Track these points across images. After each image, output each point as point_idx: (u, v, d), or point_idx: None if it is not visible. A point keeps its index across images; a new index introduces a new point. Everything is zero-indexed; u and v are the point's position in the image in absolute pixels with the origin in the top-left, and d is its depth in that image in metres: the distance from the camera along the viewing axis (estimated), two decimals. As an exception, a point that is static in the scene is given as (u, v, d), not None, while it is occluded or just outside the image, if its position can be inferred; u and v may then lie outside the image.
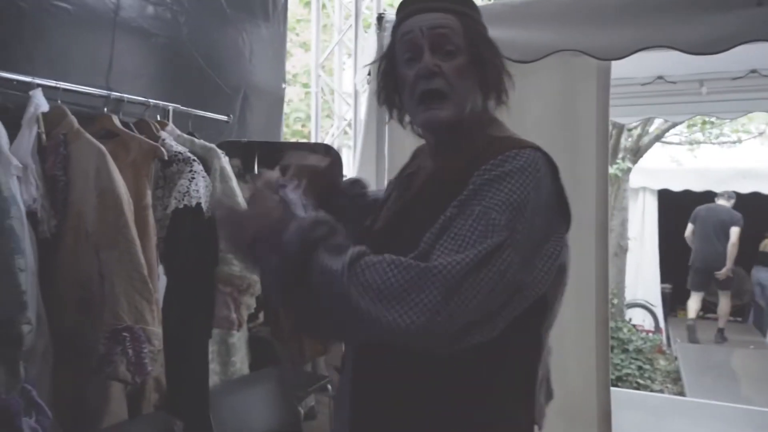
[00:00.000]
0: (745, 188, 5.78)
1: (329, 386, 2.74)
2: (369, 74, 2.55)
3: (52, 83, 1.65)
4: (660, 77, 3.63)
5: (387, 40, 2.73)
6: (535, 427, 0.99)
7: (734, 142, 5.76)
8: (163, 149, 1.76)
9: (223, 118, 2.32)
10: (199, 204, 1.81)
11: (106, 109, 1.82)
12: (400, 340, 0.82)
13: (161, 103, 2.01)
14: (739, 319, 6.71)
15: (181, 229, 1.79)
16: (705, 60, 2.07)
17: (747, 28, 1.97)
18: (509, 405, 0.96)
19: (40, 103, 1.57)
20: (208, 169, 1.88)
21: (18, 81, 1.58)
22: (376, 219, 1.09)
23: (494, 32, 2.45)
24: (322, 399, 2.95)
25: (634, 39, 2.10)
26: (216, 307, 1.85)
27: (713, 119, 5.02)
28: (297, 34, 5.23)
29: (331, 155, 2.36)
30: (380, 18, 2.53)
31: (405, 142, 2.61)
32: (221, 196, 1.88)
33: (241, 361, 2.06)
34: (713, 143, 5.86)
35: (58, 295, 1.55)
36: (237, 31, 2.45)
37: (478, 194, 0.87)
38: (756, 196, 5.85)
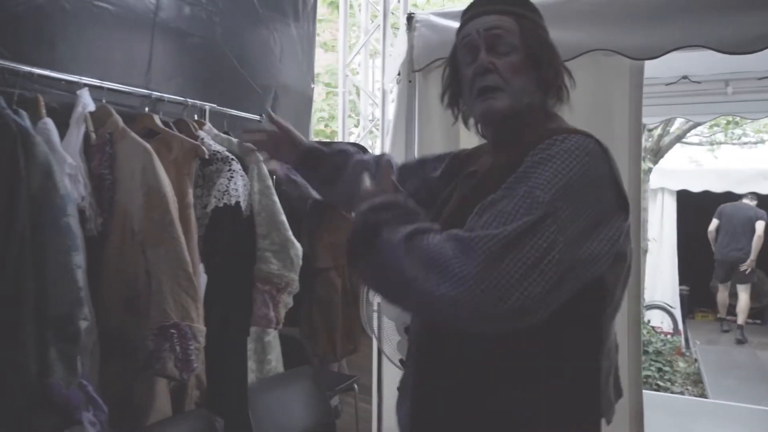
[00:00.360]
0: (765, 189, 5.75)
1: (355, 386, 2.76)
2: (399, 74, 2.56)
3: (97, 83, 1.68)
4: (685, 77, 3.62)
5: (417, 40, 2.72)
6: (603, 421, 1.00)
7: (756, 143, 5.73)
8: (204, 148, 1.78)
9: (256, 117, 2.35)
10: (238, 203, 1.84)
11: (147, 109, 1.84)
12: (445, 311, 0.84)
13: (198, 102, 2.03)
14: (758, 321, 6.67)
15: (221, 228, 1.82)
16: (730, 60, 2.06)
17: (782, 28, 1.96)
18: (572, 396, 0.96)
19: (87, 103, 1.60)
20: (245, 168, 1.91)
21: (65, 81, 1.61)
22: (438, 216, 1.10)
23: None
24: (347, 398, 2.98)
25: (667, 39, 2.10)
26: (254, 306, 1.88)
27: (737, 119, 4.99)
28: (318, 34, 5.27)
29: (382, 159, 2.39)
30: (410, 18, 2.54)
31: (435, 143, 2.63)
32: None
33: (276, 359, 2.08)
34: (734, 144, 5.83)
35: (104, 293, 1.58)
36: (268, 30, 2.48)
37: (525, 176, 0.89)
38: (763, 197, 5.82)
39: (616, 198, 0.92)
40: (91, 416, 1.24)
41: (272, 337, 2.07)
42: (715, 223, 6.00)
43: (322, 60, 5.36)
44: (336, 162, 1.34)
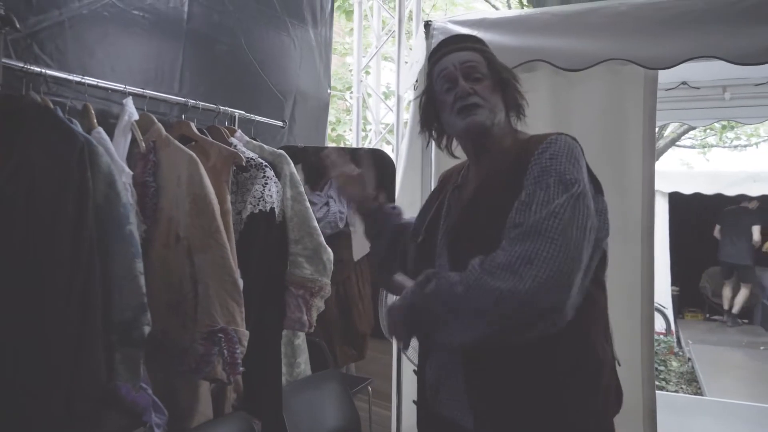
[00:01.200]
0: (755, 191, 5.95)
1: (369, 388, 2.83)
2: (417, 81, 2.64)
3: (140, 91, 1.73)
4: (684, 83, 3.76)
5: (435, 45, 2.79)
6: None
7: (746, 146, 5.93)
8: (241, 156, 1.84)
9: (279, 123, 2.40)
10: (272, 209, 1.90)
11: (183, 116, 1.89)
12: (537, 306, 0.99)
13: (228, 109, 2.08)
14: (746, 321, 6.89)
15: (256, 234, 1.87)
16: (728, 67, 2.18)
17: (792, 40, 2.08)
18: (602, 343, 1.16)
19: (132, 111, 1.65)
20: (278, 174, 1.97)
21: (110, 89, 1.65)
22: (433, 236, 1.28)
23: (543, 41, 2.54)
24: (358, 402, 3.04)
25: (681, 49, 2.21)
26: (288, 309, 1.94)
27: (732, 124, 5.17)
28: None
29: (384, 161, 2.46)
30: (427, 25, 2.62)
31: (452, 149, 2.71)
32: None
33: (305, 363, 2.14)
34: (724, 147, 6.03)
35: (148, 298, 1.63)
36: (289, 37, 2.53)
37: (547, 170, 1.10)
38: (765, 199, 6.03)
39: (594, 181, 1.17)
40: (156, 419, 1.29)
41: (301, 340, 2.13)
42: (717, 227, 6.49)
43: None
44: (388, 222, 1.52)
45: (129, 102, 1.66)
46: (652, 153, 2.44)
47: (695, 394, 4.58)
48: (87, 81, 1.55)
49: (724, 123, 5.13)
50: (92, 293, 1.22)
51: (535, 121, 2.48)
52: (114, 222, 1.30)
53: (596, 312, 1.17)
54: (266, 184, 1.89)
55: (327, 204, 2.64)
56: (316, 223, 1.98)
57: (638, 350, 2.39)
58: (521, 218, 1.06)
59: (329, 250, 1.98)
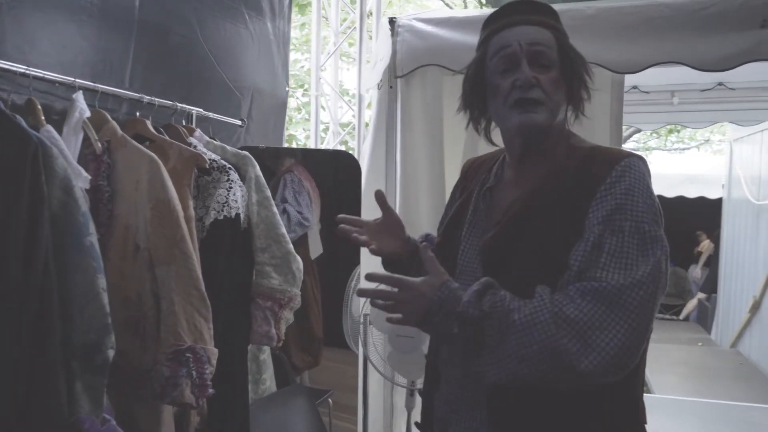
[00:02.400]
0: (692, 193, 6.30)
1: (330, 401, 2.75)
2: (381, 80, 2.58)
3: (90, 85, 1.58)
4: (635, 87, 3.92)
5: (400, 45, 2.75)
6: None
7: (683, 149, 6.26)
8: (204, 157, 1.73)
9: (237, 122, 2.29)
10: (238, 215, 1.80)
11: (138, 114, 1.76)
12: (585, 383, 0.93)
13: (186, 107, 1.96)
14: (682, 318, 7.27)
15: (220, 242, 1.77)
16: (676, 72, 2.26)
17: (752, 48, 2.18)
18: (641, 383, 1.08)
19: (84, 108, 1.51)
20: (242, 177, 1.86)
21: (58, 83, 1.50)
22: (455, 237, 1.17)
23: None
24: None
25: (648, 54, 2.28)
26: (255, 323, 1.84)
27: (678, 127, 5.44)
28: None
29: (350, 164, 2.39)
30: (392, 22, 2.57)
31: (418, 150, 2.68)
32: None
33: (270, 379, 2.05)
34: (664, 150, 6.35)
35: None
36: (247, 29, 2.42)
37: (620, 210, 0.97)
38: (701, 200, 6.39)
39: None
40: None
41: (267, 355, 2.03)
42: None
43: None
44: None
45: (79, 97, 1.52)
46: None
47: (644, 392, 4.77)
48: (32, 73, 1.40)
49: (671, 127, 5.39)
50: (49, 314, 1.10)
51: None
52: (72, 233, 1.18)
53: (644, 357, 1.05)
54: (231, 188, 1.79)
55: (285, 211, 2.53)
56: (284, 230, 1.89)
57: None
58: (591, 269, 0.94)
59: (299, 258, 1.89)
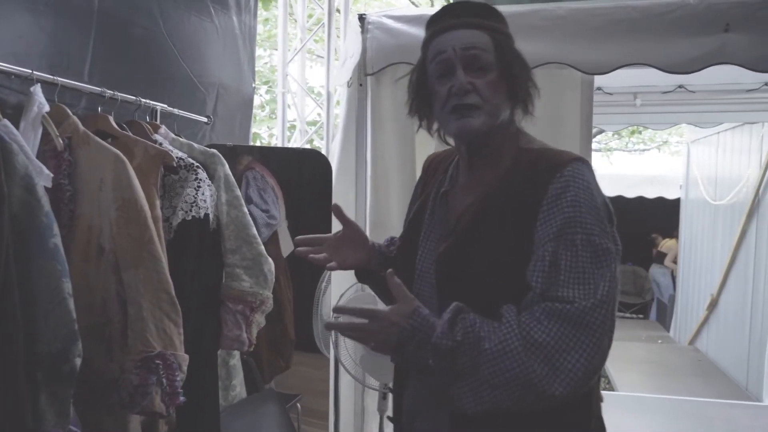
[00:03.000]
0: (651, 193, 6.50)
1: (299, 405, 2.72)
2: (351, 78, 2.57)
3: (49, 78, 1.51)
4: (599, 88, 4.00)
5: (370, 43, 2.74)
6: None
7: (643, 150, 6.46)
8: (172, 155, 1.68)
9: (203, 119, 2.23)
10: (207, 215, 1.75)
11: (100, 108, 1.69)
12: (559, 400, 0.95)
13: (150, 102, 1.90)
14: (641, 316, 7.51)
15: (188, 243, 1.72)
16: (638, 74, 2.33)
17: (716, 51, 2.26)
18: (598, 396, 1.11)
19: (43, 102, 1.44)
20: (210, 176, 1.82)
21: (13, 74, 1.43)
22: (414, 241, 1.18)
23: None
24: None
25: (617, 55, 2.33)
26: (225, 327, 1.80)
27: (640, 129, 5.60)
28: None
29: (321, 163, 2.37)
30: (361, 18, 2.56)
31: (388, 148, 2.67)
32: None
33: (240, 384, 2.01)
34: (624, 151, 6.54)
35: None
36: (212, 23, 2.37)
37: (570, 224, 0.99)
38: (660, 200, 6.61)
39: (606, 209, 1.07)
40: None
41: (236, 360, 1.99)
42: None
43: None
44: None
45: (38, 90, 1.45)
46: (588, 154, 2.54)
47: (605, 389, 4.91)
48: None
49: (633, 128, 5.56)
50: (11, 322, 1.04)
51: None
52: (35, 234, 1.12)
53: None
54: (199, 187, 1.74)
55: (250, 213, 2.48)
56: (255, 231, 1.85)
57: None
58: (553, 288, 0.97)
59: (270, 260, 1.86)
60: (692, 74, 2.30)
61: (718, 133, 5.08)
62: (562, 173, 1.01)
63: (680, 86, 3.87)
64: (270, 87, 4.43)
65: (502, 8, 2.70)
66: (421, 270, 1.15)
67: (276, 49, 3.84)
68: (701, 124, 4.49)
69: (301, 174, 2.24)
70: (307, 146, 3.17)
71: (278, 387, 2.79)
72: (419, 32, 2.52)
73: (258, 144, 4.39)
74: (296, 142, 3.13)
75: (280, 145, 3.06)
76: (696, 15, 2.26)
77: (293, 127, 3.24)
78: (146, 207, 1.48)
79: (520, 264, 1.01)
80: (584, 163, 1.05)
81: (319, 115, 3.46)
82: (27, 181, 1.12)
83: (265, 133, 4.63)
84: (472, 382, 0.96)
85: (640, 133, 5.96)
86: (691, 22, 2.26)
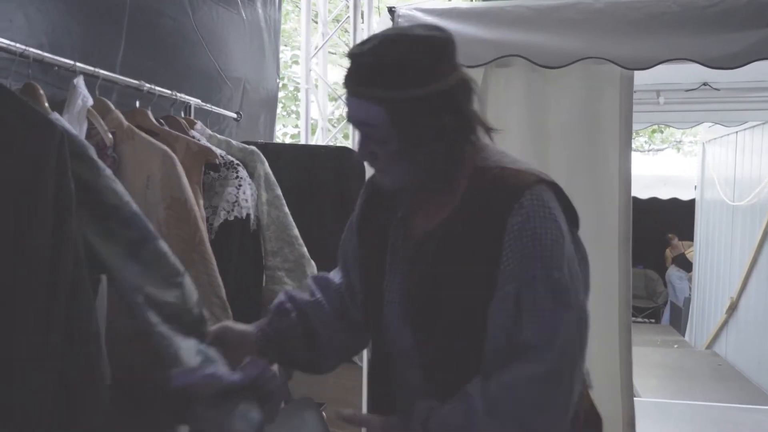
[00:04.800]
0: (665, 194, 6.52)
1: (324, 414, 2.68)
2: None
3: (90, 70, 1.47)
4: (620, 86, 4.00)
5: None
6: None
7: (657, 151, 6.48)
8: (214, 152, 1.64)
9: (232, 115, 2.20)
10: (248, 215, 1.72)
11: (138, 103, 1.65)
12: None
13: (185, 97, 1.86)
14: (653, 320, 7.53)
15: (230, 245, 1.69)
16: (661, 71, 2.33)
17: (760, 46, 2.26)
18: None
19: (86, 95, 1.40)
20: (250, 174, 1.78)
21: (56, 66, 1.39)
22: (379, 270, 1.13)
23: (519, 36, 2.53)
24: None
25: (658, 50, 2.32)
26: (267, 333, 1.76)
27: (662, 127, 5.61)
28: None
29: (352, 162, 2.33)
30: (391, 11, 2.53)
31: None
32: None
33: (278, 393, 1.96)
34: (636, 151, 6.55)
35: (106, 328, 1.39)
36: (239, 15, 2.33)
37: (527, 259, 0.98)
38: (674, 201, 6.63)
39: (572, 220, 1.06)
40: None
41: (275, 367, 1.94)
42: None
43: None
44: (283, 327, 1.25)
45: (81, 83, 1.41)
46: (628, 157, 2.53)
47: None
48: (31, 53, 1.28)
49: (654, 127, 5.58)
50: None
51: (510, 121, 2.50)
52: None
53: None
54: (240, 186, 1.71)
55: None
56: (296, 232, 1.82)
57: (616, 358, 2.47)
58: (516, 334, 0.98)
59: (312, 262, 1.82)
60: (718, 71, 2.31)
61: (736, 132, 5.09)
62: (521, 204, 0.99)
63: (704, 84, 3.87)
64: (285, 84, 4.40)
65: (536, 2, 2.69)
66: (390, 300, 1.12)
67: (286, 45, 3.80)
68: (725, 122, 4.50)
69: (337, 173, 2.20)
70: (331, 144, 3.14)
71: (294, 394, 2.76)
72: (450, 26, 2.52)
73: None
74: (318, 140, 3.10)
75: (303, 143, 3.03)
76: (738, 9, 2.25)
77: (315, 125, 3.19)
78: (196, 206, 1.45)
79: (488, 298, 1.01)
80: (544, 185, 1.02)
81: (333, 113, 3.43)
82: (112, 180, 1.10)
83: (279, 131, 4.59)
84: None
85: (661, 132, 5.98)
86: (733, 16, 2.26)
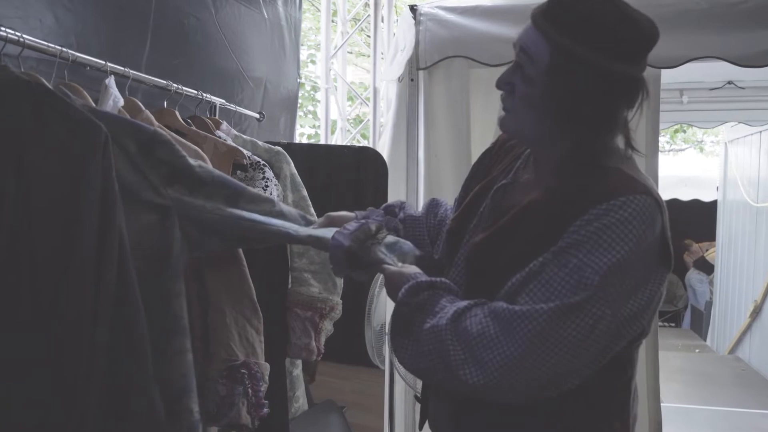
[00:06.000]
0: (686, 195, 6.48)
1: (345, 416, 2.69)
2: (402, 73, 2.55)
3: (120, 69, 1.49)
4: (644, 85, 3.99)
5: (423, 35, 2.72)
6: None
7: (678, 151, 6.45)
8: (242, 152, 1.66)
9: (255, 115, 2.22)
10: (275, 216, 1.73)
11: (166, 103, 1.67)
12: (477, 395, 0.98)
13: (211, 97, 1.88)
14: (673, 324, 7.48)
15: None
16: (683, 70, 2.32)
17: (791, 44, 2.25)
18: (610, 419, 1.08)
19: (117, 95, 1.42)
20: (276, 175, 1.80)
21: (90, 67, 1.41)
22: (464, 225, 1.19)
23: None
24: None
25: (686, 49, 2.32)
26: (293, 335, 1.77)
27: (685, 127, 5.59)
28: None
29: (377, 162, 2.35)
30: (413, 9, 2.54)
31: (442, 146, 2.65)
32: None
33: (303, 396, 1.98)
34: (662, 151, 6.53)
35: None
36: (261, 14, 2.35)
37: (577, 246, 0.94)
38: (695, 203, 6.59)
39: (661, 255, 0.98)
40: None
41: (299, 371, 1.96)
42: None
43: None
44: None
45: (112, 83, 1.42)
46: (655, 158, 2.53)
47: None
48: (71, 54, 1.30)
49: (677, 127, 5.55)
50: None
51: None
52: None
53: (608, 388, 1.06)
54: (267, 186, 1.72)
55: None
56: (322, 233, 1.83)
57: (643, 363, 2.47)
58: (515, 289, 0.97)
59: (339, 263, 1.83)
60: (744, 69, 2.29)
61: (760, 132, 5.06)
62: (609, 201, 0.94)
63: (729, 82, 3.86)
64: (301, 83, 4.42)
65: None
66: (458, 259, 1.16)
67: (302, 44, 3.81)
68: (750, 122, 4.48)
69: (357, 173, 2.22)
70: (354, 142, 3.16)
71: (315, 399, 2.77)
72: (474, 24, 2.54)
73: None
74: (338, 141, 3.12)
75: (322, 143, 3.04)
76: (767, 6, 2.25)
77: (334, 125, 3.21)
78: (227, 206, 1.46)
79: None
80: (650, 199, 0.96)
81: (350, 113, 3.44)
82: None
83: (297, 131, 4.63)
84: (413, 343, 1.02)
85: (684, 131, 5.95)
86: (762, 14, 2.25)
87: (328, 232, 1.19)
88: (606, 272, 0.91)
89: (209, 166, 1.28)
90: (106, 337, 0.98)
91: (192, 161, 1.21)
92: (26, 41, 1.17)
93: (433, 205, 1.48)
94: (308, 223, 1.38)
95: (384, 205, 1.44)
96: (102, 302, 0.99)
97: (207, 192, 1.22)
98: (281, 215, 1.32)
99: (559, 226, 0.96)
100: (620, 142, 1.06)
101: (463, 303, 1.00)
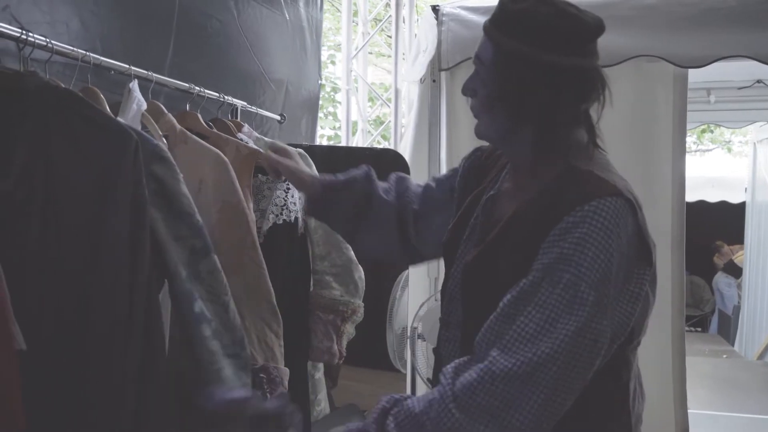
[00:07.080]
0: (714, 197, 6.37)
1: (362, 421, 2.69)
2: (425, 74, 2.54)
3: (143, 73, 1.51)
4: (668, 84, 3.94)
5: (445, 35, 2.71)
6: None
7: (705, 151, 6.34)
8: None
9: (276, 117, 2.23)
10: (296, 219, 1.74)
11: (188, 106, 1.69)
12: None
13: (233, 100, 1.89)
14: (699, 329, 7.35)
15: (278, 249, 1.71)
16: (711, 69, 2.28)
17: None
18: (606, 422, 1.08)
19: (141, 99, 1.44)
20: (297, 177, 1.81)
21: (114, 70, 1.43)
22: (456, 239, 1.19)
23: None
24: None
25: (713, 48, 2.28)
26: (315, 338, 1.78)
27: (712, 127, 5.51)
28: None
29: (399, 164, 2.34)
30: (435, 10, 2.54)
31: (464, 148, 2.64)
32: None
33: (324, 400, 1.98)
34: (688, 152, 6.43)
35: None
36: (283, 15, 2.36)
37: (566, 261, 0.96)
38: (723, 204, 6.47)
39: (639, 253, 1.00)
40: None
41: (321, 374, 1.97)
42: None
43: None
44: (355, 197, 1.41)
45: (136, 86, 1.44)
46: (682, 159, 2.50)
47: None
48: (94, 59, 1.32)
49: (704, 126, 5.47)
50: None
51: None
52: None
53: (603, 392, 1.06)
54: (289, 189, 1.73)
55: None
56: (344, 235, 1.83)
57: (669, 368, 2.44)
58: (517, 312, 0.97)
59: (360, 266, 1.84)
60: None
61: (791, 131, 4.96)
62: (582, 207, 0.97)
63: (758, 81, 3.79)
64: (322, 85, 4.45)
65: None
66: (454, 272, 1.18)
67: (323, 45, 3.82)
68: (782, 121, 4.39)
69: (379, 175, 2.21)
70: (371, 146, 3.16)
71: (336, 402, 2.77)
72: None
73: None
74: (358, 142, 3.12)
75: (343, 145, 3.05)
76: (798, 4, 2.21)
77: (355, 126, 3.22)
78: (248, 211, 1.48)
79: None
80: (621, 200, 0.98)
81: (371, 114, 3.44)
82: None
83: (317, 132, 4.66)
84: None
85: (711, 131, 5.85)
86: (792, 12, 2.21)
87: None
88: (598, 284, 0.94)
89: (197, 213, 1.24)
90: (141, 336, 0.99)
91: (184, 189, 1.18)
92: (54, 47, 1.18)
93: (401, 187, 1.48)
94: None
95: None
96: (136, 303, 1.00)
97: (179, 229, 1.17)
98: (227, 306, 1.27)
99: (541, 235, 1.00)
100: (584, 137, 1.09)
101: (447, 381, 0.98)
